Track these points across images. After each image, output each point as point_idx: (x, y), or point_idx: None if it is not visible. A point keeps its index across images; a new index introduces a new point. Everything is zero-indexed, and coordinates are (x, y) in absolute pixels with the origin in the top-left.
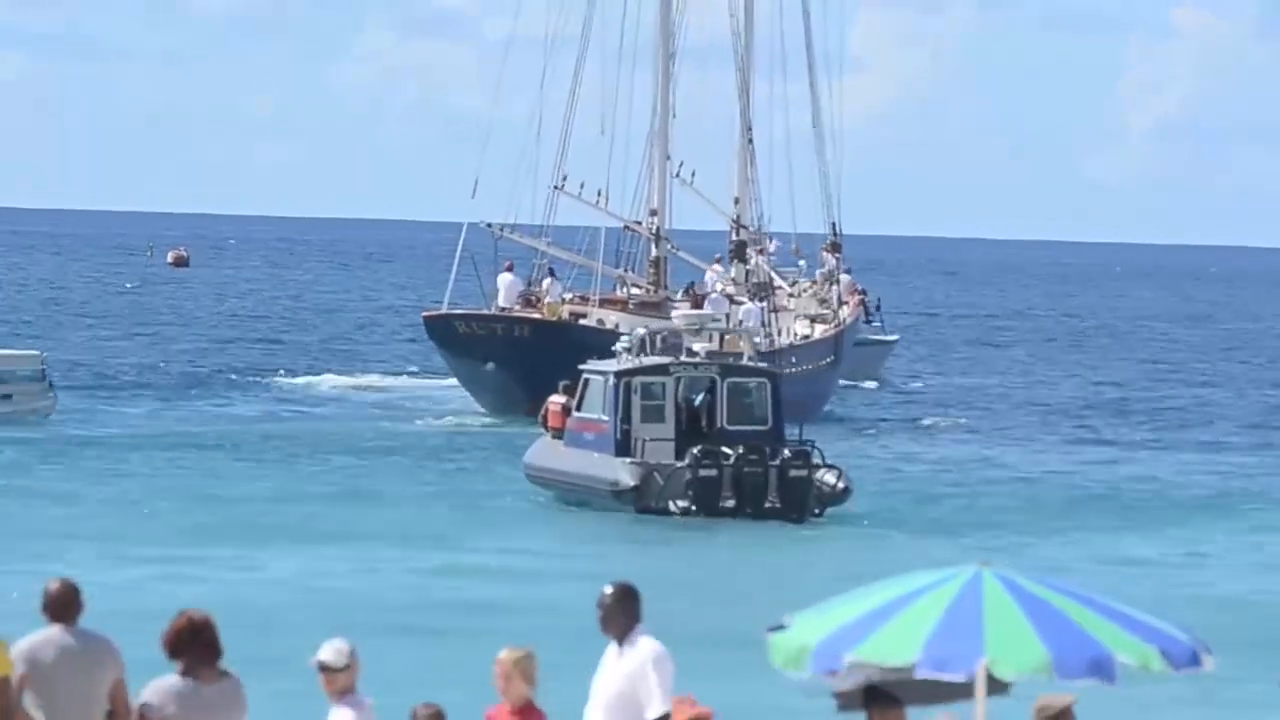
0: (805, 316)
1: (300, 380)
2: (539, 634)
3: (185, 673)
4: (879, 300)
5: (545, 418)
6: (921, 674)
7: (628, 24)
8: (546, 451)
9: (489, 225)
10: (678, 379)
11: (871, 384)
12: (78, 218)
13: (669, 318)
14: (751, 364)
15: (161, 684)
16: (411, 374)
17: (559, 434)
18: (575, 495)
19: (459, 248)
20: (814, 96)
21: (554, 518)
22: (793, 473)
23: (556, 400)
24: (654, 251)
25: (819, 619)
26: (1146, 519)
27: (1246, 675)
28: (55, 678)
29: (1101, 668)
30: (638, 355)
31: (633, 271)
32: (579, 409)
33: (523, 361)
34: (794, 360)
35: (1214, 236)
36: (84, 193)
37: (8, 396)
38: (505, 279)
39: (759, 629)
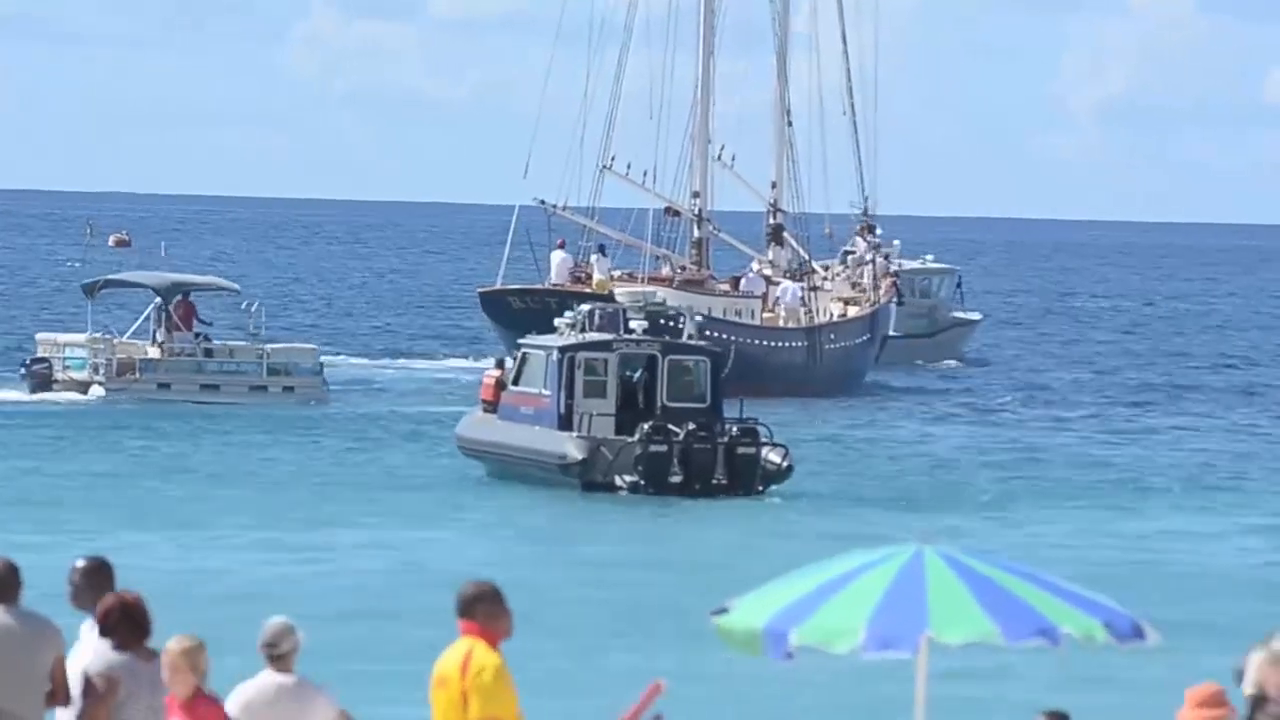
0: (840, 299)
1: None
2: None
3: (120, 650)
4: (959, 279)
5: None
6: (868, 655)
7: (669, 5)
8: (481, 424)
9: (542, 202)
10: (620, 355)
11: (953, 363)
12: (21, 197)
13: (713, 294)
14: (693, 342)
15: (105, 658)
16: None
17: (490, 407)
18: (516, 469)
19: (512, 227)
20: (848, 79)
21: (500, 493)
22: (740, 450)
23: (492, 374)
24: (696, 233)
25: (761, 601)
26: (1101, 499)
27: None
28: None
29: (1046, 634)
30: (580, 332)
31: (675, 252)
32: (515, 383)
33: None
34: (832, 337)
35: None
36: (30, 174)
37: (290, 389)
38: (557, 256)
39: (707, 602)
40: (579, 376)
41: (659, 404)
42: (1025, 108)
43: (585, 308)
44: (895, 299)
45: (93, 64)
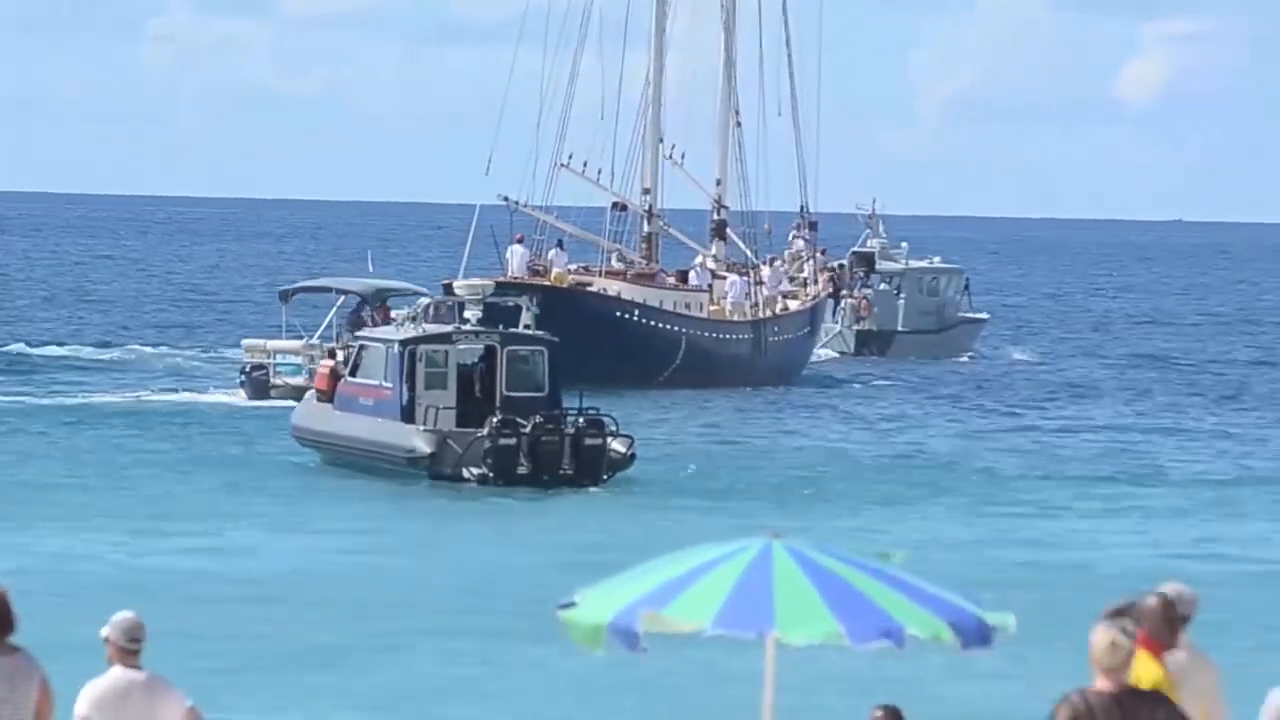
0: (778, 293)
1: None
2: (360, 608)
3: None
4: (968, 280)
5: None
6: (713, 632)
7: (625, 5)
8: (319, 415)
9: (505, 199)
10: (460, 347)
11: (967, 358)
12: None
13: (664, 288)
14: (530, 332)
15: None
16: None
17: (325, 397)
18: (357, 460)
19: (474, 223)
20: (791, 81)
21: (345, 486)
22: (587, 441)
23: (327, 364)
24: (646, 228)
25: (609, 594)
26: (955, 494)
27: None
28: None
29: (891, 635)
30: (420, 324)
31: (625, 247)
32: (353, 374)
33: (537, 325)
34: (776, 330)
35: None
36: None
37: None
38: (516, 250)
39: (556, 594)
40: (420, 369)
41: (499, 394)
42: (873, 103)
43: (424, 300)
44: (833, 293)
45: None
